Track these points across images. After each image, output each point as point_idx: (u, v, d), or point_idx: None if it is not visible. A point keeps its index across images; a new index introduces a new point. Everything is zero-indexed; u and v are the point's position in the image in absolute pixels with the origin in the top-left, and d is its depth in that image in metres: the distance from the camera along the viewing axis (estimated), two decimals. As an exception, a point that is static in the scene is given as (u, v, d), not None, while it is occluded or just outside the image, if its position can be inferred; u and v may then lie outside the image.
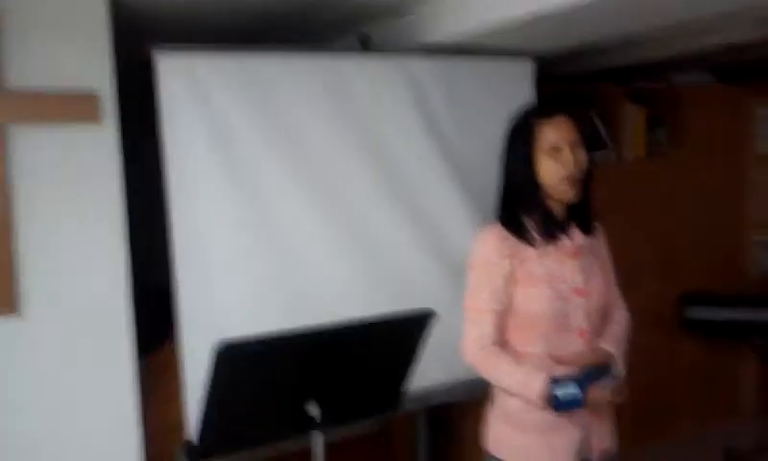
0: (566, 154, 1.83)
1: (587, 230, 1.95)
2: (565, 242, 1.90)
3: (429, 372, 2.45)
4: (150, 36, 2.35)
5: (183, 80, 2.31)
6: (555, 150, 1.84)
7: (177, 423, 2.32)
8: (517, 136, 1.90)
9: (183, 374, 2.31)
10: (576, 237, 1.92)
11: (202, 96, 2.33)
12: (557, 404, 1.76)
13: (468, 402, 2.90)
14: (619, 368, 1.91)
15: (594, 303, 1.91)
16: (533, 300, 1.85)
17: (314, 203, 2.53)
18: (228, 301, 2.39)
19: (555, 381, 1.77)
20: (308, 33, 3.05)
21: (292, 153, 2.47)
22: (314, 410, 1.75)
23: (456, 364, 2.43)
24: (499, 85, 2.86)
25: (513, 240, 1.87)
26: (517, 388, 1.82)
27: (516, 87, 2.90)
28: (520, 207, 1.89)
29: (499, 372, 1.85)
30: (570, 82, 3.69)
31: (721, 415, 4.25)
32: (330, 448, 1.87)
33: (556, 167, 1.83)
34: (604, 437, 1.95)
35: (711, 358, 4.17)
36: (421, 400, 2.68)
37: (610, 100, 3.83)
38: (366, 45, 2.77)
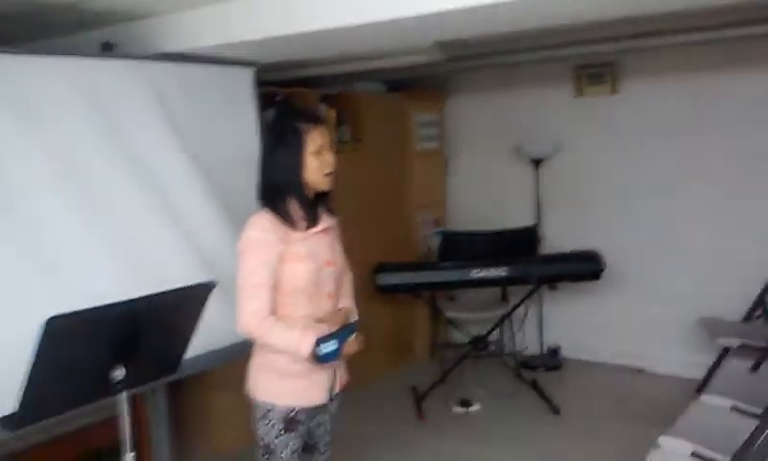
0: (327, 155, 2.28)
1: (331, 212, 2.43)
2: (321, 224, 2.33)
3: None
4: None
5: None
6: (318, 152, 2.25)
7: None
8: (288, 139, 2.25)
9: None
10: (325, 220, 2.39)
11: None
12: (321, 359, 2.23)
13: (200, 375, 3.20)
14: (356, 318, 2.46)
15: (338, 272, 2.43)
16: (299, 274, 2.25)
17: (66, 200, 2.63)
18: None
19: (320, 341, 2.22)
20: (48, 33, 3.09)
21: (45, 152, 2.57)
22: (119, 374, 1.98)
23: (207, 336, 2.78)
24: (229, 89, 3.27)
25: (280, 224, 2.23)
26: (291, 349, 2.22)
27: (242, 91, 3.35)
28: (285, 197, 2.26)
29: (276, 338, 2.23)
30: (277, 86, 4.22)
31: (405, 360, 5.24)
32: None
33: (320, 166, 2.26)
34: (343, 375, 2.51)
35: (397, 315, 5.11)
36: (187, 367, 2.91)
37: (307, 103, 4.46)
38: (108, 49, 2.94)
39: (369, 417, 4.39)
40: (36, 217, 2.54)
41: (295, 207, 2.26)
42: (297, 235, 2.25)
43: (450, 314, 5.00)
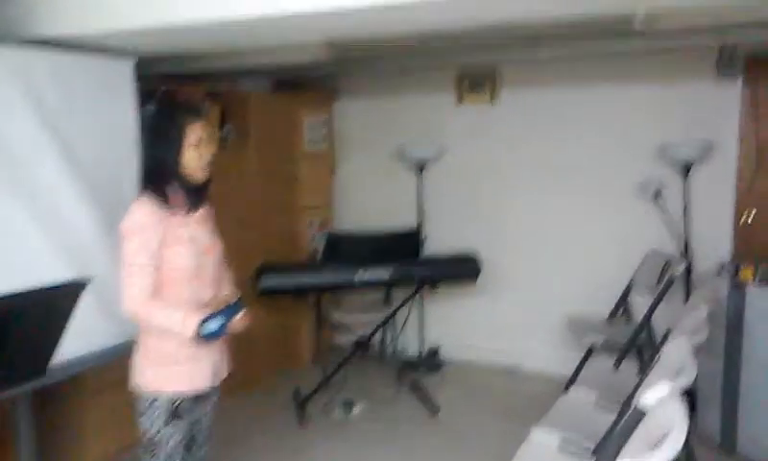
0: (205, 147, 2.36)
1: (208, 203, 2.51)
2: (200, 211, 2.44)
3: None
4: None
5: None
6: (198, 144, 2.33)
7: None
8: (168, 130, 2.32)
9: None
10: (204, 208, 2.47)
11: None
12: (207, 337, 2.26)
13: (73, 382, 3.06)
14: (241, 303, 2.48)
15: (218, 259, 2.51)
16: (180, 257, 2.32)
17: None
18: None
19: (203, 320, 2.26)
20: None
21: None
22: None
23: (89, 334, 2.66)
24: (106, 80, 3.11)
25: (162, 210, 2.30)
26: (176, 329, 2.25)
27: (120, 82, 3.20)
28: (166, 185, 2.33)
29: (161, 318, 2.27)
30: (160, 80, 4.07)
31: (289, 365, 5.19)
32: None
33: (198, 158, 2.34)
34: (225, 364, 2.58)
35: (281, 318, 5.05)
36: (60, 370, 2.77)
37: (191, 98, 4.33)
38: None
39: (249, 422, 4.32)
40: None
41: (175, 195, 2.34)
42: (177, 220, 2.34)
43: (334, 317, 5.01)
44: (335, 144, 5.71)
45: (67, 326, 2.12)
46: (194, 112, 2.37)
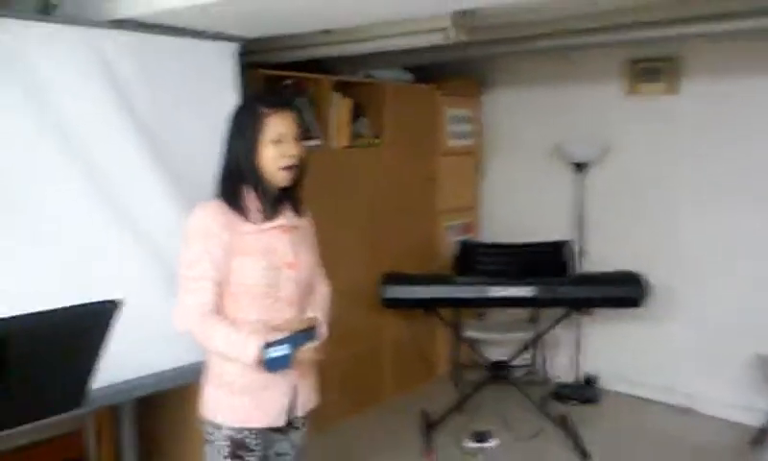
0: (287, 145, 2.00)
1: (297, 211, 2.14)
2: (280, 220, 2.05)
3: (131, 362, 2.42)
4: None
5: None
6: (278, 141, 1.99)
7: None
8: (245, 124, 2.00)
9: None
10: (288, 217, 2.08)
11: None
12: (269, 365, 1.92)
13: (179, 389, 2.84)
14: (323, 331, 2.13)
15: (302, 276, 2.11)
16: (248, 270, 1.98)
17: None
18: None
19: (267, 345, 1.92)
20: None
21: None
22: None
23: (163, 353, 2.38)
24: (200, 67, 2.82)
25: (231, 214, 1.98)
26: (234, 353, 1.94)
27: (221, 72, 2.89)
28: (241, 186, 2.01)
29: (217, 337, 1.96)
30: (280, 70, 3.77)
31: (419, 380, 4.72)
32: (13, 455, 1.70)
33: (277, 156, 1.99)
34: (309, 396, 2.18)
35: (411, 331, 4.60)
36: (125, 392, 2.58)
37: (318, 90, 4.00)
38: (46, 11, 2.53)
39: (367, 443, 3.91)
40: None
41: (250, 198, 2.02)
42: (248, 227, 2.01)
43: (470, 333, 4.47)
44: (482, 140, 5.14)
45: (102, 351, 1.81)
46: (275, 104, 2.02)
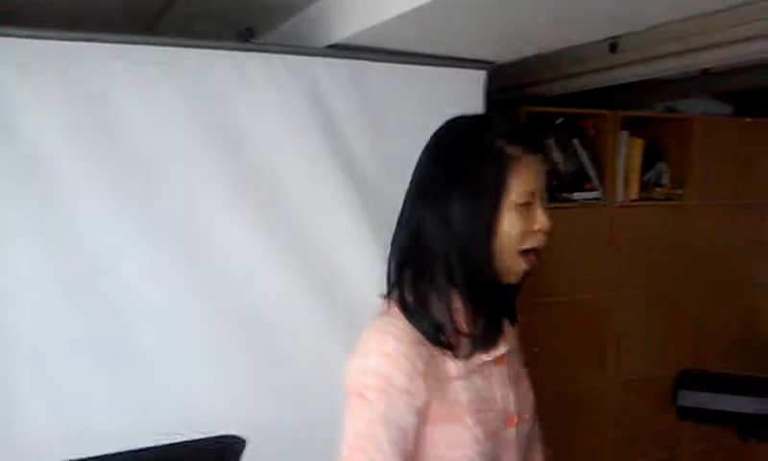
0: (539, 211, 1.18)
1: (514, 320, 1.32)
2: (501, 347, 1.24)
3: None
4: None
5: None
6: (526, 204, 1.17)
7: None
8: (477, 171, 1.16)
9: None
10: (508, 337, 1.27)
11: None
12: None
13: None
14: None
15: (526, 429, 1.28)
16: (455, 443, 1.16)
17: (160, 244, 1.84)
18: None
19: None
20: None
21: (124, 170, 1.80)
22: None
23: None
24: (435, 101, 2.18)
25: (427, 345, 1.16)
26: None
27: (460, 106, 2.22)
28: (448, 286, 1.17)
29: None
30: (542, 105, 2.99)
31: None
32: None
33: (522, 231, 1.16)
34: None
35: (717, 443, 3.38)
36: None
37: (599, 128, 3.14)
38: (247, 40, 2.12)
39: None
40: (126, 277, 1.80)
41: (458, 309, 1.18)
42: (453, 368, 1.18)
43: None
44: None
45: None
46: (524, 139, 1.19)
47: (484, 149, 1.16)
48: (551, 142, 2.99)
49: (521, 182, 1.15)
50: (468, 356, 1.19)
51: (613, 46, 2.51)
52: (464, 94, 2.24)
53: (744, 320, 3.54)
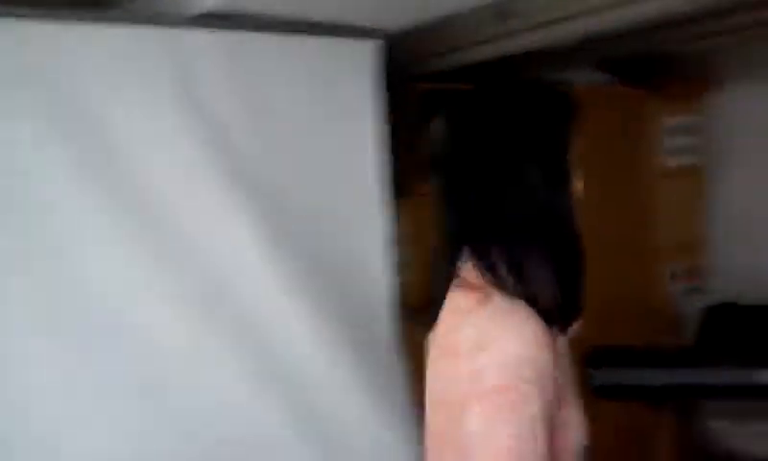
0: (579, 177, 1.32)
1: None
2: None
3: None
4: None
5: None
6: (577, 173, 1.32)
7: None
8: (551, 151, 1.24)
9: None
10: None
11: None
12: None
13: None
14: None
15: None
16: (574, 425, 1.16)
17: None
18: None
19: None
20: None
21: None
22: None
23: None
24: (322, 76, 1.95)
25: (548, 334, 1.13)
26: None
27: (348, 84, 2.00)
28: (546, 259, 1.17)
29: None
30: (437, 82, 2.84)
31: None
32: None
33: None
34: None
35: (626, 421, 3.40)
36: None
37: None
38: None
39: None
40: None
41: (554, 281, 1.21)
42: (560, 345, 1.21)
43: (712, 426, 3.22)
44: (712, 156, 3.89)
45: None
46: (575, 109, 1.32)
47: (555, 124, 1.27)
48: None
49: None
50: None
51: (503, 16, 2.40)
52: (354, 68, 2.03)
53: (634, 287, 3.60)
